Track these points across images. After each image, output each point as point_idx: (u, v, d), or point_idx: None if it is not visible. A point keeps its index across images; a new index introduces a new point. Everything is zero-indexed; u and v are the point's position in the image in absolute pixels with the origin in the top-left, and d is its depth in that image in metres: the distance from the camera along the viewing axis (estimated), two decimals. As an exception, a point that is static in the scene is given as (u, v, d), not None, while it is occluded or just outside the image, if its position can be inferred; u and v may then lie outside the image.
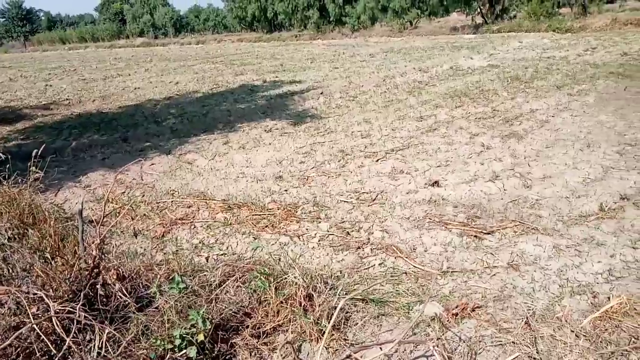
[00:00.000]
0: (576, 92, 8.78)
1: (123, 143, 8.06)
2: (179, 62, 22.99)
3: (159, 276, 3.10)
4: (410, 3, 33.29)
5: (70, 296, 2.31)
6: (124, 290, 2.43)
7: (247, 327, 2.55)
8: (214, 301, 2.58)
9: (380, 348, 2.09)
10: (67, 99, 13.22)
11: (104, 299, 2.48)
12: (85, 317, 2.09)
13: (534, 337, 2.64)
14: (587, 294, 3.09)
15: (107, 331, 2.09)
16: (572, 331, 2.72)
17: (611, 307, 2.88)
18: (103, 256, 2.61)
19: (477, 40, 22.24)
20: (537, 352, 2.54)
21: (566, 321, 2.80)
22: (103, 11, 68.96)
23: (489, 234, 3.97)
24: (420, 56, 17.13)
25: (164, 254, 4.00)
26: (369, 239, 4.12)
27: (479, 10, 30.50)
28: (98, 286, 2.36)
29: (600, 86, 9.09)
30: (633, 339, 2.65)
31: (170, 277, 2.66)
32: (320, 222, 4.44)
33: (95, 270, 2.40)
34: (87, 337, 2.21)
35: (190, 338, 2.27)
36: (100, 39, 58.17)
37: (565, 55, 13.84)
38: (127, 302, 2.40)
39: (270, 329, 2.58)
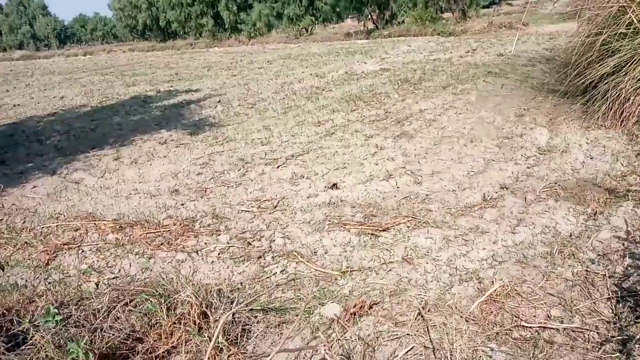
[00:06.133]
0: (460, 91, 9.39)
1: (0, 166, 7.33)
2: (64, 75, 21.47)
3: (39, 309, 2.84)
4: (304, 10, 33.87)
5: None
6: (-12, 330, 2.18)
7: (138, 353, 2.40)
8: (99, 330, 2.39)
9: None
10: None
11: (-31, 343, 2.20)
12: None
13: (427, 327, 2.76)
14: (474, 280, 3.29)
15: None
16: (462, 317, 2.88)
17: (495, 290, 3.10)
18: (-35, 295, 2.32)
19: (369, 45, 23.11)
20: (430, 341, 2.65)
21: (456, 308, 2.97)
22: (-27, 22, 62.72)
23: (384, 230, 4.10)
24: (317, 62, 17.44)
25: (48, 283, 3.68)
26: (270, 247, 4.08)
27: (370, 16, 31.77)
28: (-42, 329, 2.09)
29: (480, 85, 9.80)
30: (515, 318, 2.87)
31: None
32: (219, 235, 4.33)
33: (-47, 312, 2.12)
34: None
35: (72, 373, 2.08)
36: (-29, 52, 52.88)
37: (449, 57, 14.79)
38: (-5, 343, 2.16)
39: (164, 352, 2.45)
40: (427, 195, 4.78)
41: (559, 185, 4.72)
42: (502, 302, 3.00)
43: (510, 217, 4.19)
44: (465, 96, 8.89)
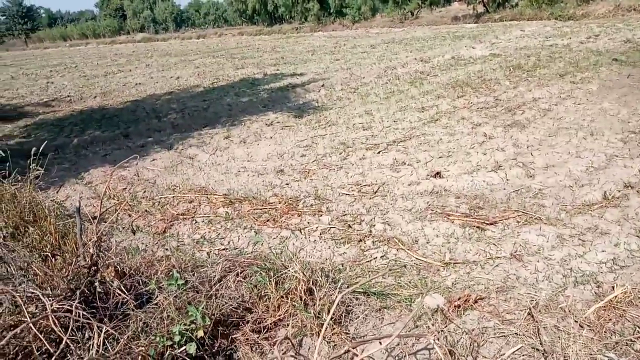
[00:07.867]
0: (579, 80, 8.69)
1: (124, 139, 8.05)
2: (179, 57, 22.94)
3: (159, 272, 3.08)
4: (411, -7, 33.07)
5: (69, 294, 2.29)
6: (122, 287, 2.41)
7: (248, 322, 2.54)
8: (213, 297, 2.56)
9: (380, 342, 2.07)
10: (68, 96, 13.21)
11: (103, 296, 2.46)
12: (83, 315, 2.08)
13: (537, 328, 2.62)
14: (591, 283, 3.06)
15: (104, 329, 2.08)
16: (576, 321, 2.69)
17: (615, 296, 2.85)
18: (102, 253, 2.59)
19: (478, 29, 22.06)
20: (540, 344, 2.52)
21: (570, 311, 2.78)
22: (103, 7, 69.01)
23: (491, 224, 3.93)
24: (422, 46, 17.00)
25: (165, 249, 3.99)
26: (370, 231, 4.09)
27: (480, -1, 30.22)
28: (96, 284, 2.34)
29: (603, 74, 8.99)
30: (637, 328, 2.63)
31: (170, 273, 2.65)
32: (321, 216, 4.42)
33: (93, 267, 2.38)
34: (87, 335, 2.19)
35: (190, 334, 2.25)
36: (101, 35, 58.25)
37: (568, 43, 13.70)
38: (125, 299, 2.39)
39: (271, 323, 2.56)
40: (540, 189, 4.50)
41: (696, 187, 4.22)
42: (623, 310, 2.76)
43: (635, 219, 3.82)
44: (586, 85, 8.21)
